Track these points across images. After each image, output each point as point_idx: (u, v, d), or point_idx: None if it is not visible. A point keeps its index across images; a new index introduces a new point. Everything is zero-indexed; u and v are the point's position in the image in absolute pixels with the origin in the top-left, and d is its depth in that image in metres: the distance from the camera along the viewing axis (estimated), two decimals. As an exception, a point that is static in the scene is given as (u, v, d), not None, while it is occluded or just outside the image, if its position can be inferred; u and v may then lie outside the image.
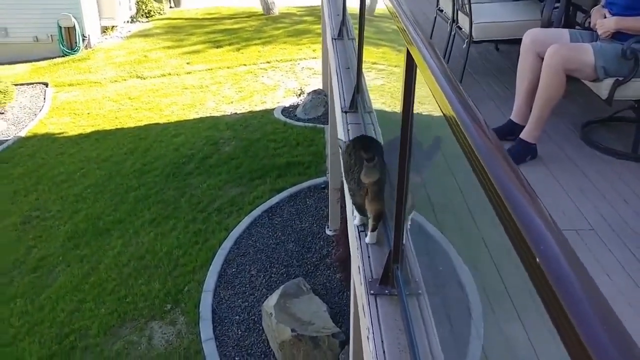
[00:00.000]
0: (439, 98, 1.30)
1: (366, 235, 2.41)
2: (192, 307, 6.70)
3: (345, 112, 3.61)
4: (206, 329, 6.42)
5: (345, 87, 3.97)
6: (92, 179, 9.58)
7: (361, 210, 2.43)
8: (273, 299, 6.34)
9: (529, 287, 0.74)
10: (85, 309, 6.82)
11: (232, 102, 12.16)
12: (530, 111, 3.27)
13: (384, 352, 1.89)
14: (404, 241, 2.04)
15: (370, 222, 2.36)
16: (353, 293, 2.78)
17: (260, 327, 6.42)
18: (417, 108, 1.95)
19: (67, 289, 7.16)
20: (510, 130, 3.41)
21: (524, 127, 3.30)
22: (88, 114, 12.25)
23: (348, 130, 3.41)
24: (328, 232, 7.73)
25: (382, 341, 1.94)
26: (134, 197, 8.86)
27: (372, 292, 2.11)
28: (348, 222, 2.78)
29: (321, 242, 7.64)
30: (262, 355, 6.15)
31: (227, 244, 7.66)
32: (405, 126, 1.93)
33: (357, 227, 2.53)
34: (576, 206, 2.76)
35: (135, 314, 6.71)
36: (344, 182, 2.56)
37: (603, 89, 3.06)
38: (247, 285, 6.99)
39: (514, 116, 3.45)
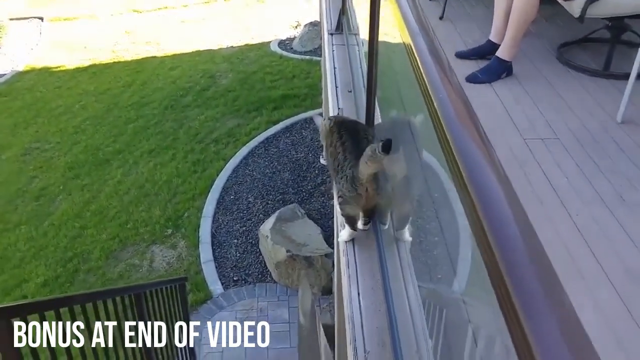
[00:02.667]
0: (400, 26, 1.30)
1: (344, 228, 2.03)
2: (192, 232, 6.95)
3: (331, 34, 3.73)
4: (206, 252, 6.69)
5: (332, 10, 4.07)
6: (91, 112, 9.72)
7: (352, 221, 1.98)
8: (269, 223, 6.58)
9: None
10: (87, 235, 7.07)
11: (228, 35, 12.16)
12: (508, 31, 3.39)
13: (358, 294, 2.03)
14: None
15: (362, 217, 1.98)
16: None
17: (258, 250, 6.69)
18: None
19: (69, 216, 7.39)
20: (489, 50, 3.54)
21: (501, 46, 3.44)
22: (85, 47, 12.27)
23: (333, 51, 3.54)
24: (323, 162, 7.77)
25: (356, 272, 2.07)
26: (132, 129, 9.02)
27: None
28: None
29: (316, 171, 7.83)
30: (260, 275, 6.44)
31: (225, 173, 7.86)
32: (371, 55, 2.05)
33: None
34: (544, 118, 2.93)
35: (136, 238, 6.97)
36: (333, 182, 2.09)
37: (575, 7, 3.18)
38: (245, 211, 7.23)
39: (493, 36, 3.57)
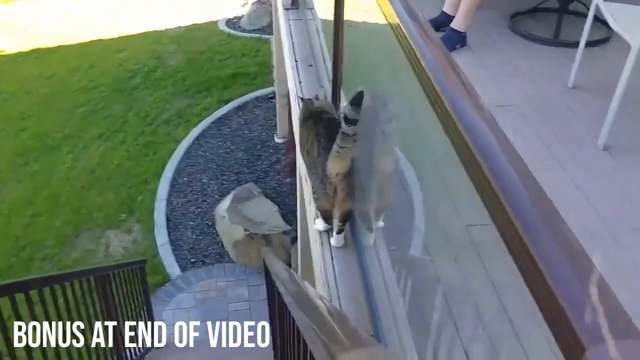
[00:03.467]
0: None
1: (330, 237, 2.01)
2: (147, 215, 6.89)
3: (287, 9, 3.73)
4: (161, 235, 6.65)
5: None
6: (37, 97, 9.46)
7: (327, 215, 1.96)
8: (225, 203, 6.57)
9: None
10: (40, 222, 6.93)
11: (175, 15, 11.95)
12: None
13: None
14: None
15: (336, 224, 1.94)
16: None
17: (214, 231, 6.67)
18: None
19: (19, 204, 7.23)
20: (444, 22, 3.61)
21: (455, 18, 3.51)
22: (25, 31, 11.88)
23: (290, 26, 3.54)
24: (277, 140, 7.91)
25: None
26: (81, 113, 8.83)
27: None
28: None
29: (271, 150, 7.83)
30: (217, 256, 6.44)
31: (177, 154, 7.78)
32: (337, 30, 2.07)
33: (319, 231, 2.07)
34: (500, 86, 3.01)
35: (90, 224, 6.87)
36: (305, 177, 2.09)
37: (525, -24, 3.27)
38: (200, 193, 7.19)
39: (447, 8, 3.65)
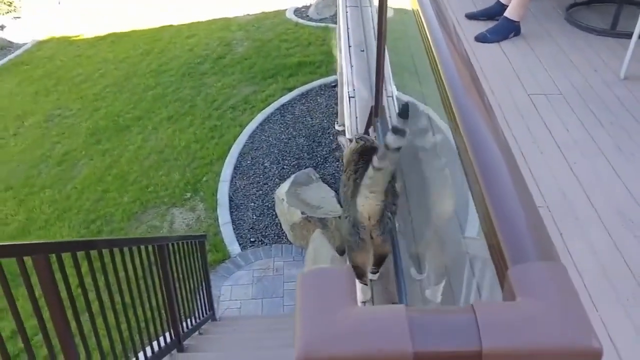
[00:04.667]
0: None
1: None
2: (210, 195, 7.15)
3: (345, -5, 3.83)
4: (224, 214, 6.89)
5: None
6: (110, 79, 9.89)
7: (361, 273, 1.77)
8: (285, 186, 6.75)
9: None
10: (109, 198, 7.28)
11: (244, 3, 12.22)
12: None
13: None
14: (385, 96, 2.34)
15: (370, 269, 1.78)
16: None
17: (274, 213, 6.87)
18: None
19: (91, 180, 7.61)
20: (498, 11, 3.64)
21: (510, 7, 3.54)
22: (103, 16, 12.39)
23: (347, 12, 3.65)
24: (337, 128, 8.03)
25: None
26: (151, 96, 9.18)
27: (358, 144, 2.43)
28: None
29: (330, 137, 7.96)
30: (275, 237, 6.63)
31: (242, 138, 8.02)
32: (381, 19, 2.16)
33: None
34: (550, 75, 3.04)
35: (156, 201, 7.17)
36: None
37: (584, -33, 3.27)
38: (261, 176, 7.40)
39: (501, -3, 3.67)
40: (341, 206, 2.00)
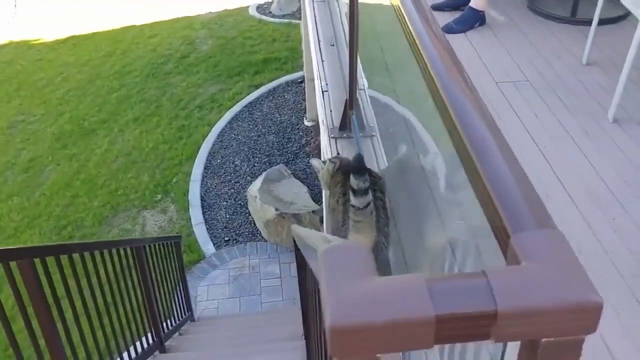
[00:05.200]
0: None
1: None
2: (181, 196, 7.13)
3: None
4: (196, 214, 6.88)
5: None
6: (73, 83, 9.76)
7: None
8: (257, 184, 6.77)
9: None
10: (79, 203, 7.21)
11: (206, 1, 12.15)
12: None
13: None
14: (357, 90, 2.39)
15: None
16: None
17: (247, 211, 6.88)
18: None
19: (59, 185, 7.52)
20: (463, 1, 3.72)
21: (475, -3, 3.62)
22: (62, 19, 12.21)
23: (314, 7, 3.67)
24: (306, 123, 8.07)
25: None
26: (116, 98, 9.09)
27: (332, 136, 2.48)
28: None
29: (300, 133, 8.00)
30: (250, 235, 6.65)
31: (211, 137, 8.00)
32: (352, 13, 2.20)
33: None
34: (516, 63, 3.13)
35: (127, 204, 7.13)
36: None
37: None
38: (232, 174, 7.40)
39: (465, -13, 3.74)
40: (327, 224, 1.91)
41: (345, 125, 2.42)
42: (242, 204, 6.99)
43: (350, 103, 2.36)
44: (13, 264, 1.96)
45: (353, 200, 1.42)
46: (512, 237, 0.59)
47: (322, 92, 2.76)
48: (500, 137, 0.75)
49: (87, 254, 2.70)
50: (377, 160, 2.31)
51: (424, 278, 0.53)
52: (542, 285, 0.52)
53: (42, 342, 2.18)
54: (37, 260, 2.09)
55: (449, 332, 0.52)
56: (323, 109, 2.65)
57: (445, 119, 0.88)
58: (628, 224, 2.13)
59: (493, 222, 0.65)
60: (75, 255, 2.55)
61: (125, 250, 3.31)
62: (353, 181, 1.39)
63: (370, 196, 1.42)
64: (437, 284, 0.53)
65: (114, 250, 3.10)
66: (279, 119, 8.23)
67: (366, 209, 1.44)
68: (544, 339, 0.53)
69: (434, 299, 0.51)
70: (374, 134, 2.44)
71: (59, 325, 2.31)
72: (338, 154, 1.82)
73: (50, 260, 2.26)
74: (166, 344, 4.07)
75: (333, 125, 2.49)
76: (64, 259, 2.40)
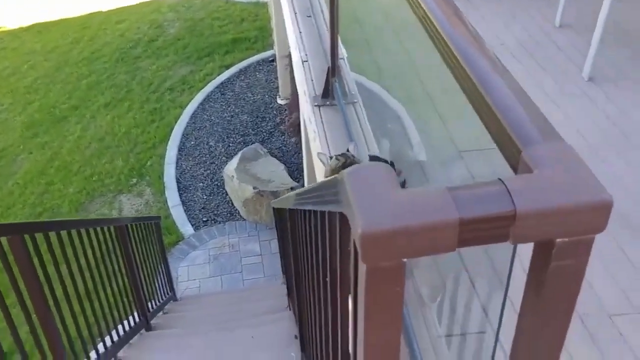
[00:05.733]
0: None
1: None
2: (157, 179, 7.10)
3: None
4: (172, 197, 6.87)
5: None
6: (41, 71, 9.60)
7: None
8: (233, 163, 6.77)
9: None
10: (54, 190, 7.14)
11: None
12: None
13: (327, 146, 2.31)
14: (339, 57, 2.41)
15: None
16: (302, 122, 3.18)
17: (224, 191, 6.89)
18: None
19: (33, 174, 7.44)
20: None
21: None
22: (24, 5, 11.95)
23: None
24: (280, 102, 8.07)
25: (326, 139, 2.35)
26: (86, 84, 8.98)
27: (315, 104, 2.51)
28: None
29: (274, 112, 8.00)
30: (228, 215, 6.66)
31: (183, 119, 7.97)
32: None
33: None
34: (492, 29, 3.18)
35: (103, 190, 7.09)
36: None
37: None
38: (207, 155, 7.39)
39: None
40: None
41: (328, 93, 2.45)
42: (218, 184, 6.99)
43: (333, 70, 2.39)
44: (3, 240, 1.96)
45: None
46: (523, 151, 0.63)
47: (302, 62, 2.77)
48: (500, 66, 0.79)
49: (74, 232, 2.70)
50: (361, 126, 2.34)
51: (446, 187, 0.57)
52: (556, 188, 0.56)
53: (35, 318, 2.19)
54: (27, 237, 2.10)
55: (471, 234, 0.56)
56: (304, 80, 2.67)
57: (446, 55, 0.92)
58: (607, 176, 2.20)
59: (502, 141, 0.69)
60: (63, 234, 2.55)
61: (109, 229, 3.31)
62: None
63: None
64: (459, 192, 0.56)
65: (98, 229, 3.10)
66: (252, 98, 8.21)
67: None
68: (558, 239, 0.57)
69: (458, 204, 0.55)
70: (356, 100, 2.48)
71: (51, 303, 2.32)
72: (347, 150, 1.79)
73: (40, 237, 2.26)
74: (152, 322, 4.09)
75: (315, 94, 2.52)
76: (52, 236, 2.40)
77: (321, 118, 2.40)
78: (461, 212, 0.54)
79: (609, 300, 1.83)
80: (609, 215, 0.56)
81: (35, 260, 2.20)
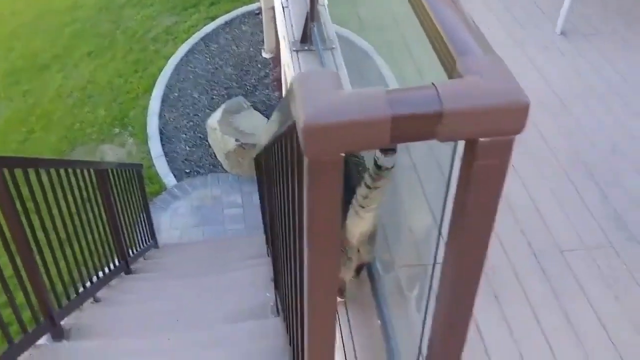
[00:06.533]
0: None
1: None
2: (140, 129, 7.10)
3: None
4: (155, 147, 6.88)
5: None
6: (23, 18, 9.45)
7: (343, 288, 1.69)
8: (216, 115, 6.77)
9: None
10: (35, 139, 7.13)
11: None
12: None
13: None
14: (318, 4, 2.44)
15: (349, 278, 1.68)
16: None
17: (207, 143, 6.91)
18: None
19: (13, 121, 7.41)
20: None
21: None
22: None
23: None
24: (265, 55, 8.03)
25: None
26: (69, 33, 8.87)
27: (294, 49, 2.54)
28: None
29: (259, 65, 7.97)
30: (210, 167, 6.70)
31: (167, 71, 7.91)
32: None
33: None
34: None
35: (85, 139, 7.08)
36: None
37: None
38: (191, 107, 7.38)
39: None
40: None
41: (307, 38, 2.48)
42: (201, 136, 7.01)
43: (312, 14, 2.42)
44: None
45: (381, 158, 1.26)
46: (457, 59, 0.69)
47: (283, 7, 2.79)
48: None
49: (54, 173, 2.74)
50: (339, 72, 2.37)
51: (384, 90, 0.62)
52: (481, 92, 0.62)
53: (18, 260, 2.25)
54: (6, 172, 2.14)
55: (402, 131, 0.62)
56: (284, 25, 2.70)
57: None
58: (573, 126, 2.29)
59: (441, 51, 0.75)
60: (43, 177, 2.59)
61: (89, 172, 3.34)
62: (381, 158, 1.26)
63: (395, 158, 1.29)
64: (395, 93, 0.62)
65: (78, 172, 3.14)
66: (237, 51, 8.17)
67: (383, 187, 1.33)
68: (481, 139, 0.64)
69: (391, 103, 0.61)
70: (334, 46, 2.51)
71: (33, 246, 2.37)
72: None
73: (20, 177, 2.31)
74: (132, 267, 4.17)
75: (294, 39, 2.55)
76: (32, 175, 2.44)
77: (299, 63, 2.44)
78: (394, 109, 0.60)
79: (562, 237, 1.93)
80: (526, 117, 0.62)
81: (18, 204, 2.24)
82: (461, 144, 0.67)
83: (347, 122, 0.60)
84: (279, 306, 2.54)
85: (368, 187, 1.30)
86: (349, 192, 1.40)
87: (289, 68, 2.52)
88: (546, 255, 1.89)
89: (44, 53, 8.51)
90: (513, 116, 0.62)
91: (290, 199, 1.32)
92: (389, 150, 1.23)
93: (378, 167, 1.25)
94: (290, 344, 1.84)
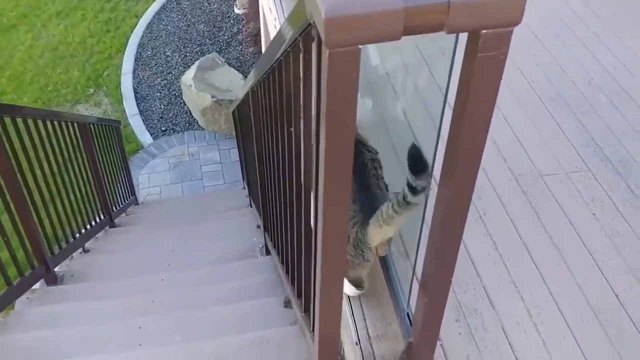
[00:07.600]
0: None
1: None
2: (114, 89, 7.07)
3: None
4: (130, 106, 6.87)
5: None
6: (-16, -24, 9.23)
7: (359, 283, 1.65)
8: (191, 72, 6.76)
9: None
10: (7, 100, 7.01)
11: None
12: None
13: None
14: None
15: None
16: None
17: (182, 101, 6.91)
18: None
19: (-17, 83, 7.30)
20: None
21: None
22: None
23: None
24: (237, 11, 7.99)
25: None
26: (34, -8, 8.69)
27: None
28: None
29: (231, 21, 7.93)
30: (186, 124, 6.72)
31: (139, 29, 7.85)
32: None
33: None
34: None
35: (59, 100, 7.02)
36: None
37: None
38: (164, 65, 7.35)
39: None
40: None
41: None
42: (176, 94, 7.00)
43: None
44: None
45: (410, 197, 1.24)
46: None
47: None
48: None
49: (39, 121, 2.77)
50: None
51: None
52: (484, -14, 0.70)
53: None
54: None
55: (414, 23, 0.69)
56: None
57: None
58: (548, 59, 2.40)
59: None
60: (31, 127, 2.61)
61: (73, 126, 3.37)
62: (414, 180, 1.21)
63: (423, 196, 1.26)
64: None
65: (63, 124, 3.16)
66: (209, 7, 8.12)
67: (407, 212, 1.31)
68: (483, 31, 0.72)
69: (404, -2, 0.68)
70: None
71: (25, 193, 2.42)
72: None
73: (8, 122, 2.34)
74: (115, 221, 4.22)
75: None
76: (19, 122, 2.47)
77: (282, 5, 2.48)
78: (406, 2, 0.68)
79: (541, 162, 2.05)
80: (524, 9, 0.70)
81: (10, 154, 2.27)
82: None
83: (364, 14, 0.67)
84: (268, 247, 2.62)
85: (395, 212, 1.30)
86: (364, 190, 1.43)
87: (271, 12, 2.56)
88: (527, 179, 2.00)
89: (9, 13, 8.34)
90: (512, 7, 0.70)
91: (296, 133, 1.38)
92: (418, 191, 1.21)
93: (407, 202, 1.25)
94: (287, 273, 1.93)
